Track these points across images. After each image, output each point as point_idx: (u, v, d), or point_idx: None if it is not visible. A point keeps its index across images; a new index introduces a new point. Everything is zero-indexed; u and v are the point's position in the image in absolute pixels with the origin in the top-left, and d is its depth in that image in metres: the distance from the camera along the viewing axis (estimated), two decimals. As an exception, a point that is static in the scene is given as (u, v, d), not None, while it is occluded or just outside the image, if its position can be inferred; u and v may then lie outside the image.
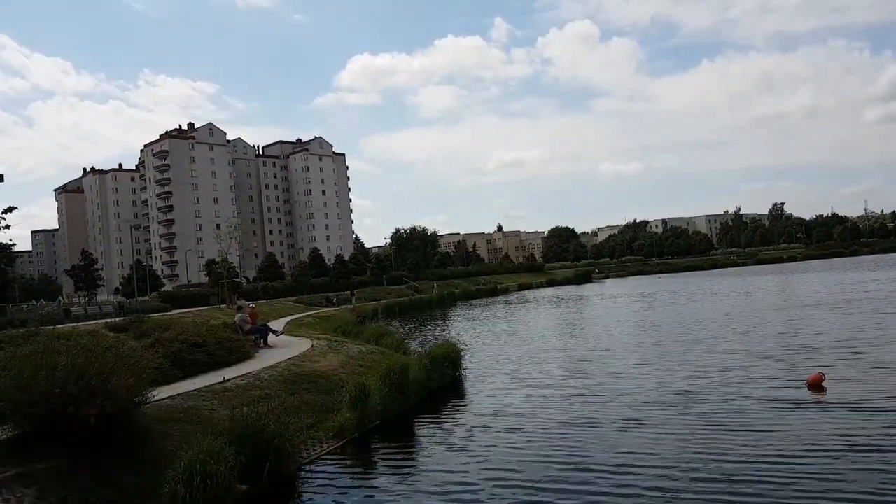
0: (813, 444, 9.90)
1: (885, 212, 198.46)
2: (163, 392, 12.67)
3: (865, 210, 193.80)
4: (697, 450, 10.06)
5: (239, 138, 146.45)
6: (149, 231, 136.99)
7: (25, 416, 9.06)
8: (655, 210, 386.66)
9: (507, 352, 24.94)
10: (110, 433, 9.54)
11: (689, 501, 7.99)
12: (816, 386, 13.81)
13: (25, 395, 8.95)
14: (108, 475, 9.06)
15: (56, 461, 8.87)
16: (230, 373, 15.48)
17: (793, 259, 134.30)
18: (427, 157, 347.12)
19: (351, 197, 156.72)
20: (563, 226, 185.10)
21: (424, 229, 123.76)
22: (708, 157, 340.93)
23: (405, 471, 10.93)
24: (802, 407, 12.32)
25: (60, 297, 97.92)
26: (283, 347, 21.27)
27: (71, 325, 26.42)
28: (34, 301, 69.94)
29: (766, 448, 9.87)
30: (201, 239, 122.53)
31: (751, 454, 9.62)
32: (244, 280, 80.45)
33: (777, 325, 25.86)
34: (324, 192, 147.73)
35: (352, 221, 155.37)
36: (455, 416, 14.65)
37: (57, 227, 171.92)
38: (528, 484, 9.17)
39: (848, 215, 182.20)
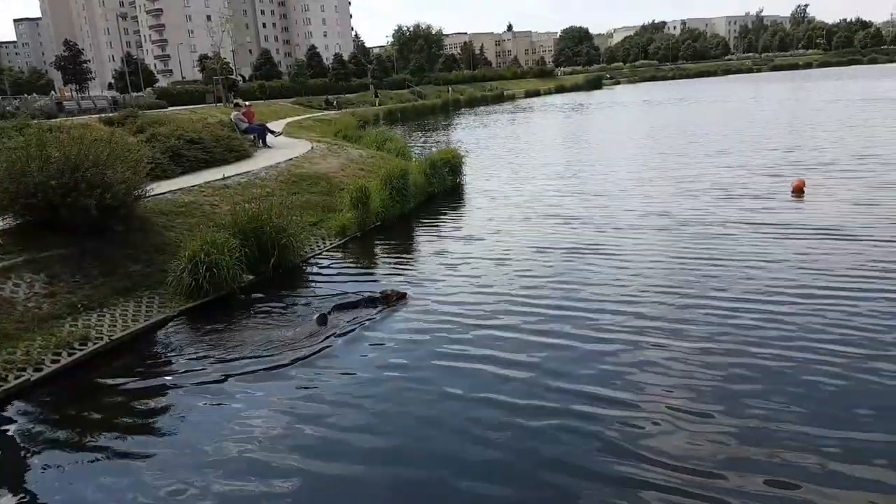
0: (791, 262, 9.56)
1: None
2: (162, 186, 12.72)
3: (892, 15, 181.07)
4: (681, 274, 9.80)
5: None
6: (137, 22, 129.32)
7: (24, 206, 9.09)
8: (675, 8, 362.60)
9: (505, 159, 24.89)
10: (112, 224, 9.67)
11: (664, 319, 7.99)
12: (799, 191, 14.09)
13: (19, 186, 8.89)
14: (114, 264, 9.34)
15: (61, 250, 9.09)
16: (229, 171, 15.40)
17: (808, 66, 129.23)
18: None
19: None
20: (577, 26, 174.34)
21: (429, 27, 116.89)
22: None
23: (403, 264, 11.32)
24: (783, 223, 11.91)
25: (53, 92, 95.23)
26: (282, 148, 20.99)
27: (64, 118, 25.85)
28: (26, 95, 68.06)
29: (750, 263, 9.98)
30: (192, 31, 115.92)
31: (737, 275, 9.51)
32: (240, 78, 77.57)
33: (764, 136, 25.22)
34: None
35: (350, 16, 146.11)
36: (453, 219, 14.87)
37: (40, 15, 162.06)
38: (507, 285, 9.35)
39: (873, 20, 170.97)
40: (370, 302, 8.74)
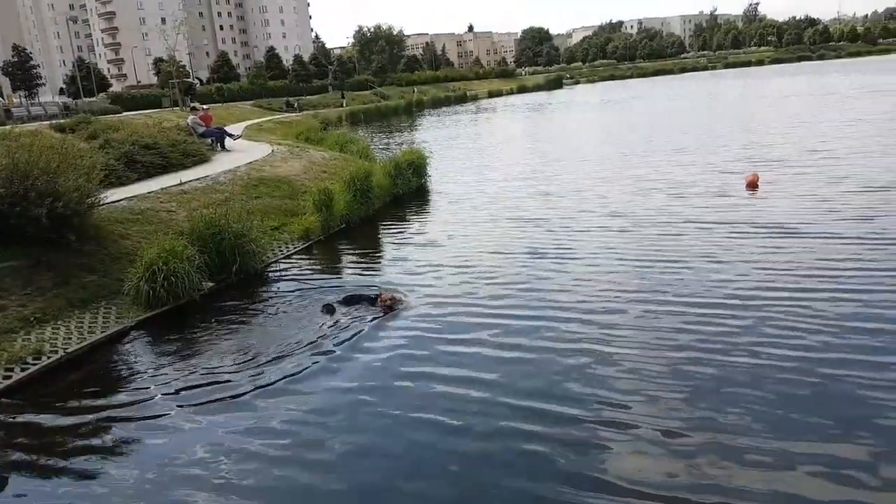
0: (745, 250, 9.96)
1: (856, 15, 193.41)
2: (117, 194, 12.43)
3: (839, 13, 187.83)
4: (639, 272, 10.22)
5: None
6: (89, 25, 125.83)
7: (-29, 216, 8.76)
8: (632, 8, 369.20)
9: (469, 160, 25.02)
10: (65, 234, 9.39)
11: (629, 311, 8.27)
12: (752, 186, 14.45)
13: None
14: (68, 275, 9.06)
15: (12, 261, 8.78)
16: (187, 176, 15.10)
17: (760, 63, 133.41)
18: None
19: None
20: (537, 26, 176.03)
21: (390, 28, 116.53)
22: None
23: (369, 266, 11.28)
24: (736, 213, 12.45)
25: (0, 98, 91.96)
26: (242, 152, 20.68)
27: (13, 125, 24.98)
28: (-27, 101, 65.58)
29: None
30: (146, 34, 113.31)
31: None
32: (197, 81, 76.13)
33: (719, 134, 25.79)
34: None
35: (310, 17, 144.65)
36: (418, 221, 14.82)
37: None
38: (470, 290, 9.24)
39: (821, 18, 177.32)
40: (369, 300, 8.68)
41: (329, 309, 8.55)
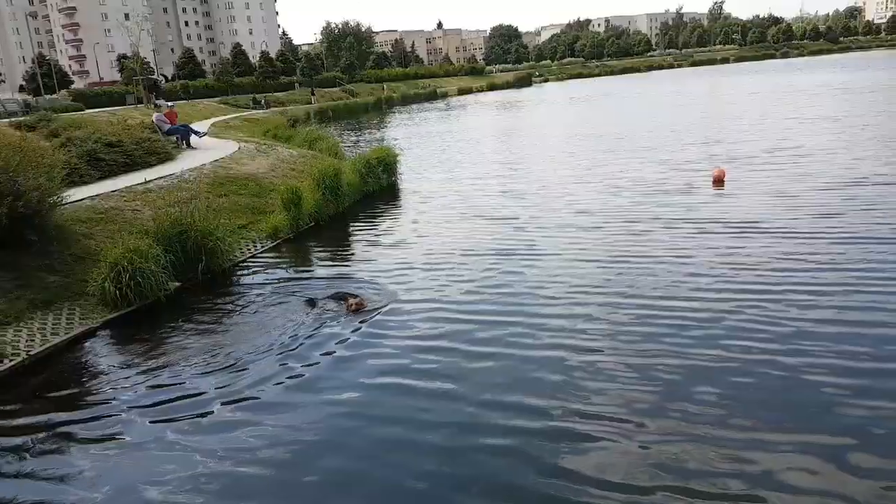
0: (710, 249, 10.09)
1: (819, 13, 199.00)
2: (80, 193, 12.22)
3: (801, 11, 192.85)
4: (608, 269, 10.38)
5: None
6: (49, 21, 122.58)
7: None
8: (599, 6, 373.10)
9: (440, 157, 25.03)
10: (26, 234, 9.20)
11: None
12: (719, 181, 14.75)
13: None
14: (30, 276, 8.88)
15: (-30, 262, 8.56)
16: (152, 174, 14.87)
17: (726, 61, 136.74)
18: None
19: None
20: (506, 24, 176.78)
21: (359, 24, 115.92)
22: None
23: (339, 265, 11.24)
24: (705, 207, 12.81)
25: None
26: (208, 149, 20.40)
27: (-30, 124, 24.27)
28: (-74, 99, 63.37)
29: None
30: (109, 30, 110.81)
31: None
32: (162, 78, 74.74)
33: (687, 131, 26.28)
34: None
35: (276, 13, 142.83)
36: (388, 220, 14.77)
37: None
38: (440, 291, 9.20)
39: (784, 16, 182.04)
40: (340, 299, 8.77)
41: (311, 302, 8.80)
